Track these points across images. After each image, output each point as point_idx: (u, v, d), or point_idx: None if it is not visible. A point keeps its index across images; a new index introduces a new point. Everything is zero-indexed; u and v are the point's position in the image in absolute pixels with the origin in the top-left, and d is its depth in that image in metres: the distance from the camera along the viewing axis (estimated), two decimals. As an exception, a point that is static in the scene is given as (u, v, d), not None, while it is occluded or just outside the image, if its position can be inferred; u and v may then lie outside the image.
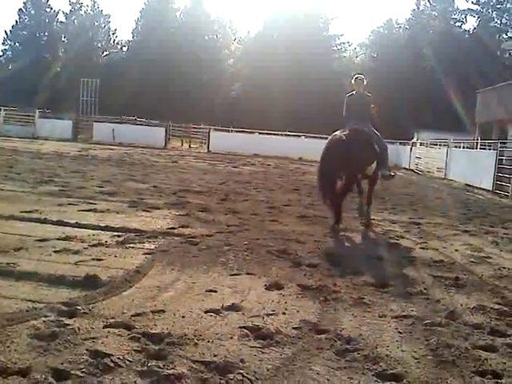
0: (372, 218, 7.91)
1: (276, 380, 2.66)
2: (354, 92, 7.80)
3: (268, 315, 3.57)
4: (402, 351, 3.12)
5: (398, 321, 3.65)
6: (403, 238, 6.94)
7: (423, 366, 2.94)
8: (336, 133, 7.29)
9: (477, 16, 59.69)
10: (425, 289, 4.48)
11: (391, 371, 2.84)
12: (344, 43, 63.70)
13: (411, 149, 25.59)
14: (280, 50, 52.61)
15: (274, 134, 30.69)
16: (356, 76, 7.89)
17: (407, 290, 4.38)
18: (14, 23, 64.69)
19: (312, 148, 26.69)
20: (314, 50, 53.85)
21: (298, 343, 3.13)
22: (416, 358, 3.04)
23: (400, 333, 3.43)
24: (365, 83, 7.80)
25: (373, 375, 2.79)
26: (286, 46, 52.68)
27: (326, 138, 7.37)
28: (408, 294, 4.28)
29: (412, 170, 23.86)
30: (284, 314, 3.63)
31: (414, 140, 26.88)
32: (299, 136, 29.19)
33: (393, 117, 50.19)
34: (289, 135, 31.22)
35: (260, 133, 29.41)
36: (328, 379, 2.71)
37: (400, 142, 29.38)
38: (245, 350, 2.99)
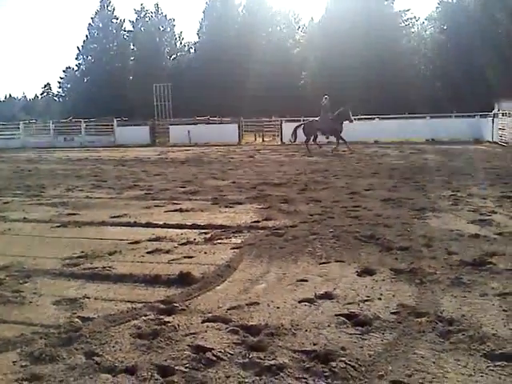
0: (462, 194, 8.18)
1: (380, 366, 2.61)
2: None
3: (363, 301, 3.53)
4: (510, 330, 2.98)
5: (501, 299, 3.50)
6: (496, 213, 6.63)
7: (535, 345, 2.78)
8: None
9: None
10: (526, 264, 4.25)
11: (500, 351, 2.71)
12: (411, 18, 61.48)
13: (493, 120, 24.27)
14: (345, 33, 51.51)
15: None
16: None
17: (507, 267, 4.18)
18: (85, 38, 67.59)
19: (388, 130, 26.20)
20: (380, 29, 52.26)
21: (398, 328, 3.07)
22: (526, 336, 2.88)
23: (505, 311, 3.28)
24: None
25: (481, 356, 2.69)
26: (352, 28, 51.50)
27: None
28: (508, 271, 4.08)
29: (496, 143, 22.66)
30: (380, 299, 3.57)
31: (495, 111, 25.49)
32: (373, 119, 28.46)
33: (470, 89, 48.06)
34: (362, 118, 30.59)
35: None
36: (434, 362, 2.64)
37: (480, 115, 27.95)
38: (344, 337, 2.97)
